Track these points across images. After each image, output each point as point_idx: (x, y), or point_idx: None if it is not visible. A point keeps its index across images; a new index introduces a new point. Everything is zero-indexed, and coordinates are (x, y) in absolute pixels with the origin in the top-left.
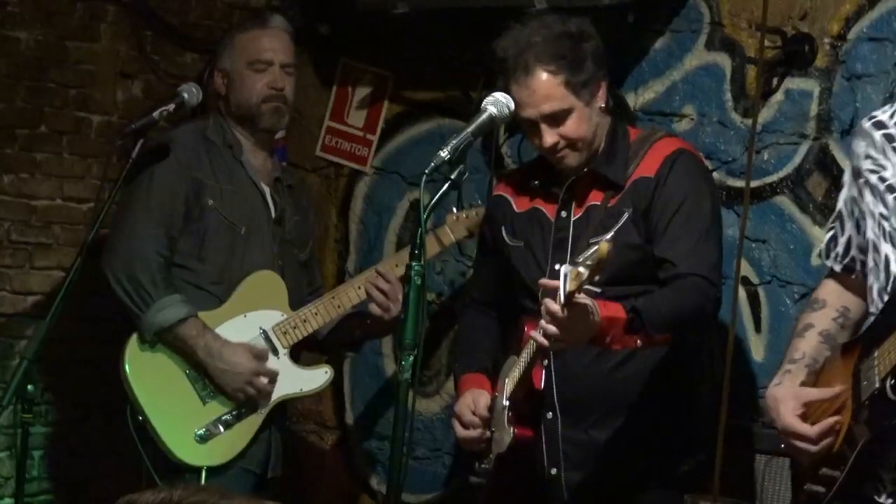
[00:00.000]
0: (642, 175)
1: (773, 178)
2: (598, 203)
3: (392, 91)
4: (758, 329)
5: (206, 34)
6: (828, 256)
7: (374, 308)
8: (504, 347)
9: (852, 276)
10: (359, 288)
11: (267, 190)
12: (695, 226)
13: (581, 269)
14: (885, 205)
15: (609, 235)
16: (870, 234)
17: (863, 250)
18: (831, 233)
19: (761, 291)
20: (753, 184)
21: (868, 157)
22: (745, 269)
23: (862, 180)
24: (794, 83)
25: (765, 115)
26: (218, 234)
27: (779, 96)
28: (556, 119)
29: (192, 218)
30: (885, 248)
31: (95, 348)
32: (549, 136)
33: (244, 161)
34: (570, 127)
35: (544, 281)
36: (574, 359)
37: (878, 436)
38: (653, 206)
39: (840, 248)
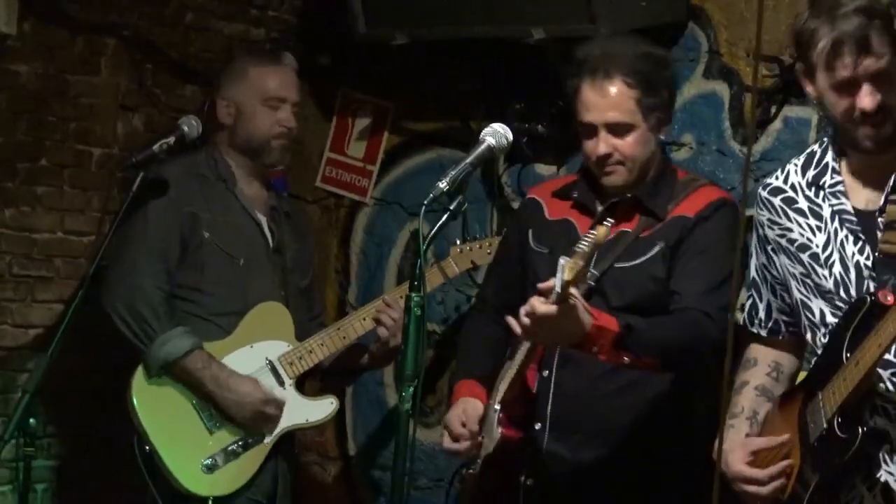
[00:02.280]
0: (682, 213)
1: None
2: (631, 230)
3: (392, 122)
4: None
5: (206, 67)
6: (752, 324)
7: (382, 331)
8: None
9: (779, 338)
10: (364, 319)
11: (263, 220)
12: (715, 269)
13: (578, 259)
14: (802, 264)
15: (610, 221)
16: (796, 295)
17: (785, 312)
18: (750, 301)
19: None
20: (752, 212)
21: (772, 222)
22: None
23: (770, 247)
24: (792, 111)
25: (763, 143)
26: (216, 266)
27: (777, 124)
28: (617, 131)
29: (190, 251)
30: (816, 302)
31: (97, 381)
32: (605, 146)
33: (238, 192)
34: (628, 143)
35: (542, 285)
36: (576, 376)
37: (828, 473)
38: (683, 244)
39: (762, 314)
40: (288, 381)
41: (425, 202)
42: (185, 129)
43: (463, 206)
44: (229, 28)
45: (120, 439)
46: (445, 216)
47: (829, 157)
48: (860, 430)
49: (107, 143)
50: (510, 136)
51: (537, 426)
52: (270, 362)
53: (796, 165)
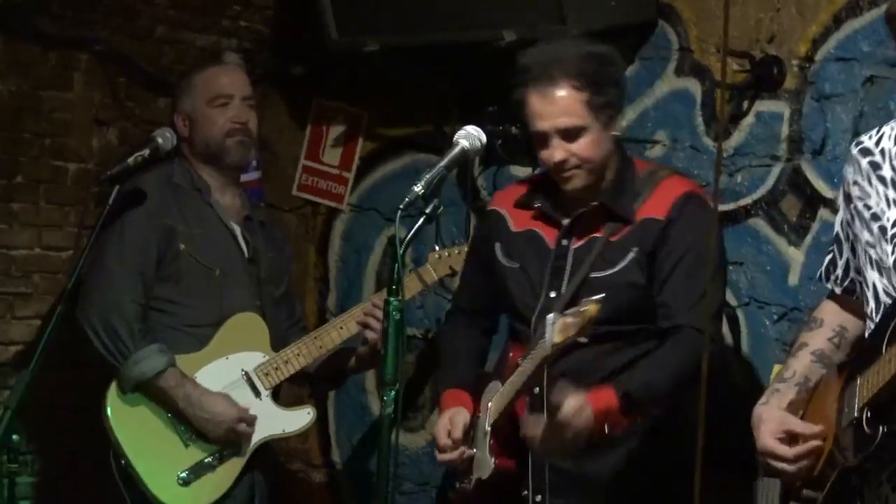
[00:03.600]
0: (651, 215)
1: (748, 200)
2: (601, 235)
3: (366, 128)
4: (738, 350)
5: (180, 79)
6: (827, 279)
7: (370, 334)
8: (486, 360)
9: (853, 297)
10: (340, 328)
11: (237, 229)
12: (698, 275)
13: (570, 320)
14: (871, 232)
15: (600, 296)
16: (861, 259)
17: (859, 272)
18: (830, 256)
19: (740, 313)
20: (728, 207)
21: (856, 183)
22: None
23: (852, 205)
24: (764, 106)
25: (736, 138)
26: (193, 278)
27: (750, 119)
28: (570, 135)
29: (166, 263)
30: (872, 275)
31: (80, 395)
32: (560, 152)
33: (213, 202)
34: (582, 146)
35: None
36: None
37: (857, 461)
38: (659, 250)
39: (840, 271)
40: (264, 392)
41: (401, 207)
42: (160, 141)
43: (439, 210)
44: (201, 40)
45: (103, 454)
46: (422, 220)
47: None
48: (882, 428)
49: (82, 158)
50: (483, 138)
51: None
52: (246, 373)
53: (892, 129)
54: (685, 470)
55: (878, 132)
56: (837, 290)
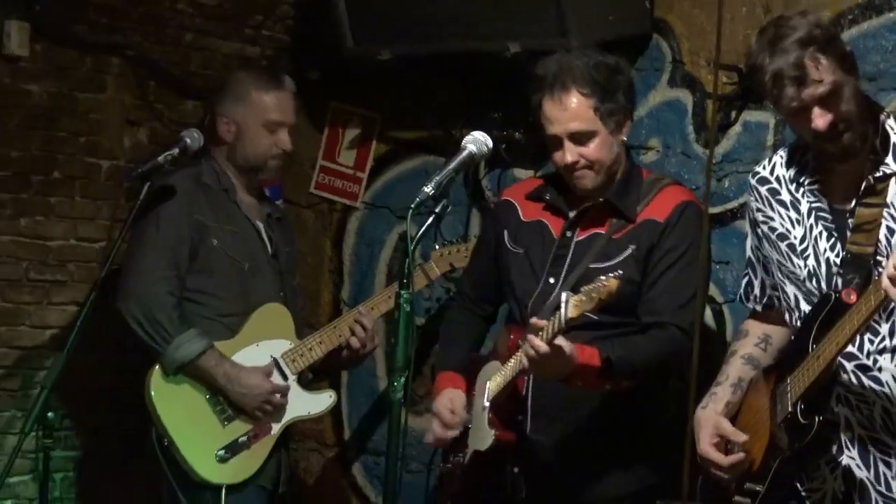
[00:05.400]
0: (652, 217)
1: (734, 203)
2: (603, 232)
3: (379, 131)
4: (723, 343)
5: (206, 82)
6: (748, 300)
7: (353, 341)
8: (481, 345)
9: (773, 311)
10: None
11: (261, 226)
12: (688, 279)
13: (584, 297)
14: (779, 251)
15: (618, 272)
16: (777, 276)
17: (775, 288)
18: (746, 278)
19: (726, 309)
20: (716, 210)
21: (759, 209)
22: (710, 289)
23: (759, 230)
24: (751, 115)
25: (725, 145)
26: (224, 272)
27: (737, 128)
28: (580, 139)
29: (199, 257)
30: (790, 288)
31: (110, 377)
32: (571, 154)
33: (238, 201)
34: (592, 149)
35: (535, 321)
36: None
37: (794, 452)
38: (655, 249)
39: (757, 291)
40: (291, 377)
41: (412, 206)
42: (188, 141)
43: (447, 209)
44: (226, 46)
45: (132, 430)
46: (431, 218)
47: (809, 156)
48: (817, 418)
49: (114, 156)
50: (490, 143)
51: (520, 417)
52: (275, 359)
53: (782, 158)
54: (663, 455)
55: (769, 162)
56: (758, 308)
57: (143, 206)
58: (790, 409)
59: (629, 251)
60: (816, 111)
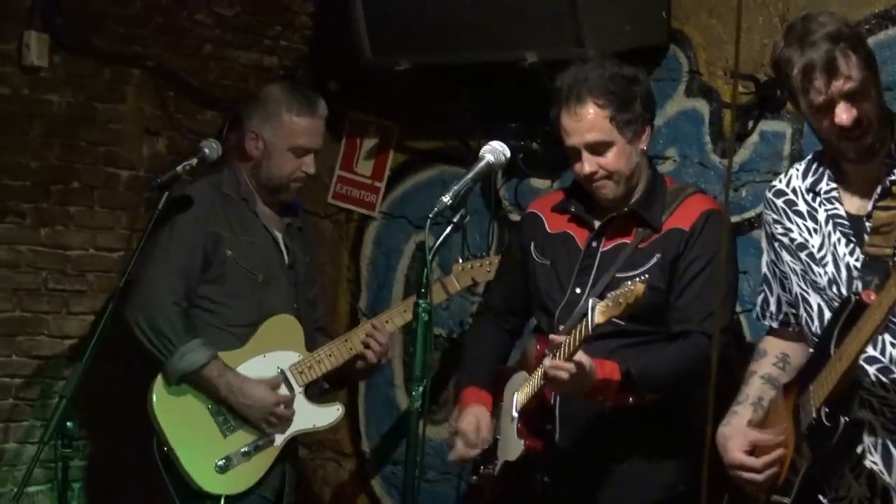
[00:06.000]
0: (677, 225)
1: (751, 213)
2: (629, 242)
3: (397, 141)
4: (740, 350)
5: (224, 93)
6: (764, 317)
7: (369, 354)
8: (507, 360)
9: (789, 329)
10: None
11: (280, 236)
12: (714, 287)
13: (610, 303)
14: (801, 261)
15: (644, 276)
16: (796, 289)
17: (792, 305)
18: (762, 295)
19: (743, 319)
20: (733, 219)
21: (776, 222)
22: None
23: (777, 244)
24: (767, 125)
25: (742, 155)
26: (237, 282)
27: (754, 138)
28: (598, 149)
29: (212, 267)
30: (815, 298)
31: (128, 387)
32: (589, 165)
33: (258, 211)
34: (610, 159)
35: (554, 337)
36: None
37: (818, 461)
38: (682, 258)
39: (773, 307)
40: (298, 389)
41: (430, 215)
42: (207, 151)
43: (465, 219)
44: (245, 57)
45: (148, 439)
46: (449, 228)
47: (825, 164)
48: (842, 419)
49: (133, 166)
50: (508, 153)
51: (548, 426)
52: (282, 371)
53: (798, 170)
54: (691, 467)
55: (786, 175)
56: (775, 325)
57: (161, 215)
58: (814, 414)
59: (655, 260)
60: (842, 106)
